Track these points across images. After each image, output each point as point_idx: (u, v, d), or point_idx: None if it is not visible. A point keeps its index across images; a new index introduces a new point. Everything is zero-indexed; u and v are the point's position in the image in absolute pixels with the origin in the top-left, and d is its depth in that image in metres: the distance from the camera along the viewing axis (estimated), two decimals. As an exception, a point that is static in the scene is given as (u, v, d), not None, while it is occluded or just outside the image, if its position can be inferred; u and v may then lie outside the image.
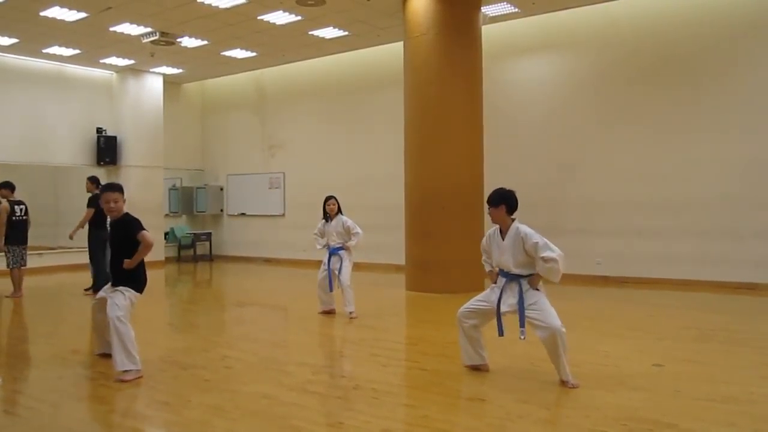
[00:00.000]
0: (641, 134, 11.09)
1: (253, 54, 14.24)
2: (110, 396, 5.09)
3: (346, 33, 12.62)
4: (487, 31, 11.16)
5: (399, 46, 11.45)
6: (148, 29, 12.16)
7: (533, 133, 12.13)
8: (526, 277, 5.09)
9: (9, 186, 10.38)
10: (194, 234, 17.33)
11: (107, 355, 5.78)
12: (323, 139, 15.34)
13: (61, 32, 12.30)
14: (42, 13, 11.10)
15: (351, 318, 7.96)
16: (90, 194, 10.36)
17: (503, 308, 5.12)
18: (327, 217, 8.28)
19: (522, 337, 4.95)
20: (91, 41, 12.98)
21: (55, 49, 13.62)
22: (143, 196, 15.73)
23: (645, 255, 11.00)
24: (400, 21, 11.10)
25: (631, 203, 11.12)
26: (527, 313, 4.97)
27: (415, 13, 10.46)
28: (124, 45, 13.24)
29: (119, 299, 5.59)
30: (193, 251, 17.28)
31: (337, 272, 8.16)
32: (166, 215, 17.02)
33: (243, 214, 16.96)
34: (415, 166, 10.57)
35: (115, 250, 5.88)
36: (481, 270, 10.50)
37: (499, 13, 11.55)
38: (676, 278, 10.70)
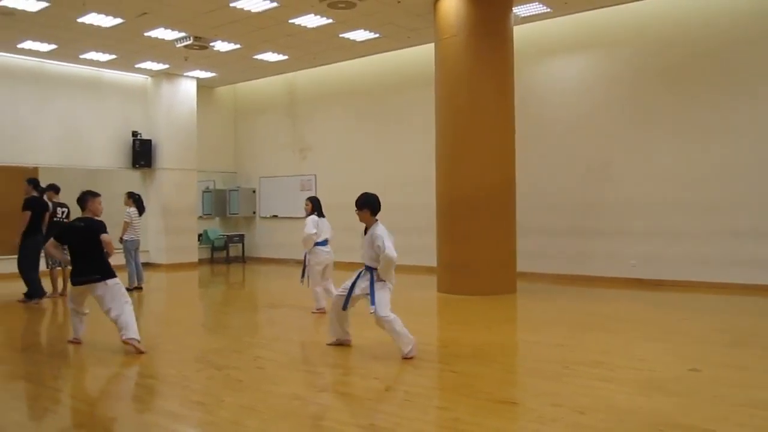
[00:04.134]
0: (676, 134, 10.92)
1: (285, 57, 14.35)
2: (146, 395, 5.17)
3: (377, 35, 12.64)
4: (518, 31, 11.09)
5: (430, 47, 11.44)
6: (182, 34, 12.33)
7: (566, 133, 12.01)
8: (375, 270, 6.06)
9: (54, 188, 10.63)
10: (227, 236, 17.50)
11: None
12: (354, 142, 15.39)
13: (97, 38, 12.53)
14: (79, 20, 11.33)
15: (314, 313, 8.67)
16: (27, 197, 10.06)
17: (356, 291, 6.19)
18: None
19: (371, 311, 5.96)
20: (127, 46, 13.20)
21: (92, 55, 13.88)
22: (177, 198, 15.97)
23: (680, 257, 10.82)
24: (430, 23, 11.09)
25: (666, 204, 10.95)
26: (371, 296, 6.02)
27: (445, 15, 10.44)
28: (159, 50, 13.44)
29: None
30: (226, 253, 17.45)
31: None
32: (200, 217, 17.22)
33: (275, 216, 17.09)
34: (447, 168, 10.54)
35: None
36: (512, 272, 10.51)
37: (531, 14, 11.48)
38: (712, 281, 10.50)
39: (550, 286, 11.18)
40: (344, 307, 6.26)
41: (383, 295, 6.02)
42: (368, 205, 6.14)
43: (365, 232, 6.18)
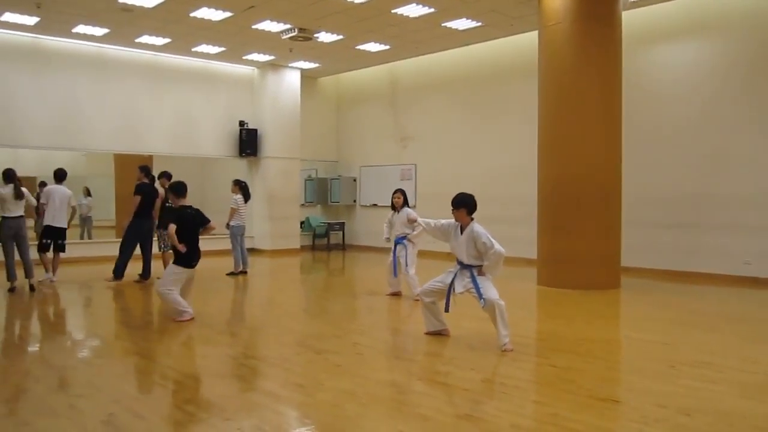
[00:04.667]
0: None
1: (387, 47, 14.43)
2: (249, 375, 5.37)
3: (480, 23, 12.49)
4: (627, 16, 10.67)
5: (533, 35, 11.19)
6: (288, 26, 12.63)
7: (678, 123, 11.45)
8: (475, 267, 6.13)
9: (166, 175, 11.21)
10: (328, 224, 17.86)
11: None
12: (455, 131, 15.30)
13: (208, 31, 13.04)
14: (191, 14, 11.82)
15: (416, 300, 8.35)
16: (138, 182, 10.72)
17: (457, 289, 6.20)
18: (394, 208, 9.20)
19: (482, 305, 6.02)
20: (235, 39, 13.67)
21: (203, 48, 14.46)
22: (281, 186, 16.43)
23: (802, 255, 10.12)
24: (534, 10, 10.85)
25: (787, 199, 10.25)
26: (475, 289, 6.07)
27: (550, 1, 10.17)
28: (265, 42, 13.84)
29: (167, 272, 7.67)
30: (327, 240, 17.82)
31: (402, 260, 9.10)
32: (302, 205, 17.64)
33: (375, 204, 17.28)
34: (549, 158, 10.31)
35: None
36: (617, 266, 10.15)
37: (642, -2, 11.03)
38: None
39: (656, 282, 10.74)
40: (447, 309, 6.31)
41: (490, 284, 6.10)
42: (465, 204, 6.17)
43: (461, 231, 6.19)
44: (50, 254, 10.56)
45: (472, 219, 6.20)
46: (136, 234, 10.62)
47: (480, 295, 5.99)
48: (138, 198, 10.56)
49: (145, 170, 10.92)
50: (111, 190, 16.42)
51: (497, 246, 5.96)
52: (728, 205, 10.83)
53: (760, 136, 10.54)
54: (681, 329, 7.18)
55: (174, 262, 7.55)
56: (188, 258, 7.42)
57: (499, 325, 5.96)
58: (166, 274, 7.66)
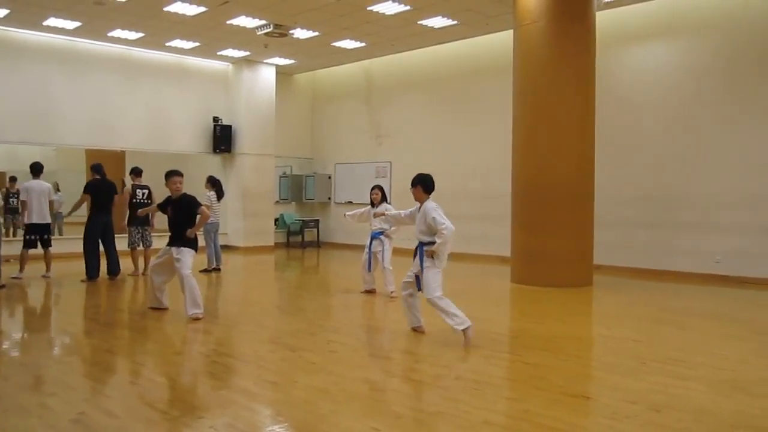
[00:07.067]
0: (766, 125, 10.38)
1: (363, 44, 14.41)
2: (222, 373, 5.33)
3: (455, 22, 12.53)
4: (601, 17, 10.77)
5: (508, 34, 11.25)
6: (263, 22, 12.56)
7: (650, 124, 11.59)
8: (426, 244, 6.14)
9: (135, 171, 11.10)
10: (303, 221, 17.79)
11: (157, 309, 7.72)
12: (430, 129, 15.33)
13: (182, 26, 12.91)
14: (166, 9, 11.70)
15: (392, 297, 8.66)
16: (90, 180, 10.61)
17: (414, 269, 6.32)
18: (373, 204, 9.12)
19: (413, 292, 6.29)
20: (210, 34, 13.55)
21: (177, 42, 14.31)
22: (255, 183, 16.34)
23: (769, 254, 10.31)
24: (510, 9, 10.90)
25: (756, 199, 10.43)
26: (417, 279, 6.25)
27: (525, 1, 10.23)
28: (240, 37, 13.74)
29: (187, 258, 7.32)
30: (302, 237, 17.75)
31: (378, 255, 9.09)
32: (277, 202, 17.57)
33: (350, 202, 17.24)
34: (523, 157, 10.38)
35: (177, 221, 7.50)
36: (589, 264, 10.26)
37: (615, -2, 11.14)
38: (804, 280, 9.98)
39: (628, 280, 10.88)
40: (419, 288, 6.33)
41: (434, 276, 6.12)
42: (421, 182, 6.36)
43: (419, 210, 6.38)
44: (28, 251, 10.38)
45: (428, 197, 6.34)
46: (92, 231, 10.41)
47: (418, 287, 6.23)
48: (84, 196, 10.48)
49: (96, 168, 10.72)
50: (82, 186, 16.06)
51: (447, 223, 6.01)
52: (699, 204, 11.00)
53: (731, 137, 10.72)
54: (652, 326, 7.29)
55: (192, 248, 7.50)
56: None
57: (444, 318, 6.11)
58: (190, 263, 7.44)
